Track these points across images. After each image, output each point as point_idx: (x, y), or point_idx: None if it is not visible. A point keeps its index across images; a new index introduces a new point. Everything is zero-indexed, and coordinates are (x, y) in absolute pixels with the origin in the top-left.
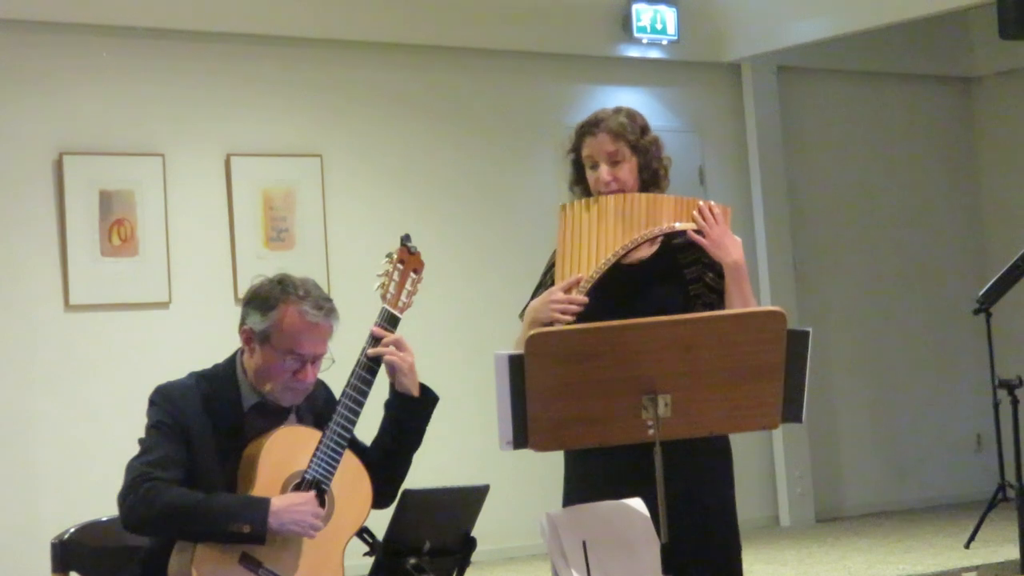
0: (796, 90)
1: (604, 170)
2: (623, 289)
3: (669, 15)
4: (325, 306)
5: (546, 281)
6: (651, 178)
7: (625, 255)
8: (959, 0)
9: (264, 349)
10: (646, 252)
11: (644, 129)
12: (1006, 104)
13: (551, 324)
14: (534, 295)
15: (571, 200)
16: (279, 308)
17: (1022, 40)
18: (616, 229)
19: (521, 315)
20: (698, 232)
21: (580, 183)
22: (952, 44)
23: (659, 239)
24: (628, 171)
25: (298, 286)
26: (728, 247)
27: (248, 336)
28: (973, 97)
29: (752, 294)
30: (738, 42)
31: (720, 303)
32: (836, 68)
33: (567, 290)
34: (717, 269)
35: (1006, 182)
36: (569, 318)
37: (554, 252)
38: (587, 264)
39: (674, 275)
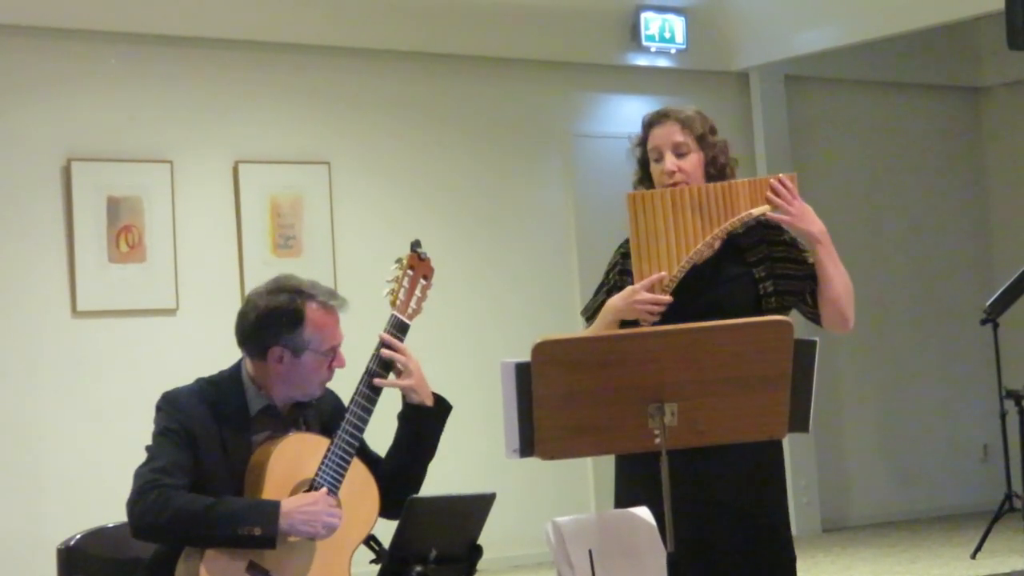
0: (804, 99)
1: (669, 160)
2: (697, 290)
3: (677, 24)
4: (334, 291)
5: (610, 280)
6: (718, 173)
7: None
8: (967, 10)
9: (303, 357)
10: (716, 245)
11: (713, 129)
12: (1014, 115)
13: (635, 323)
14: (597, 293)
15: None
16: (304, 312)
17: None
18: (694, 223)
19: (586, 315)
20: (775, 211)
21: (644, 181)
22: (960, 54)
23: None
24: (694, 164)
25: (304, 285)
26: (810, 219)
27: (281, 356)
28: (981, 107)
29: (840, 261)
30: (746, 51)
31: (807, 286)
32: (844, 77)
33: (649, 289)
34: (792, 257)
35: (1014, 192)
36: (655, 318)
37: (617, 251)
38: (667, 261)
39: (745, 274)
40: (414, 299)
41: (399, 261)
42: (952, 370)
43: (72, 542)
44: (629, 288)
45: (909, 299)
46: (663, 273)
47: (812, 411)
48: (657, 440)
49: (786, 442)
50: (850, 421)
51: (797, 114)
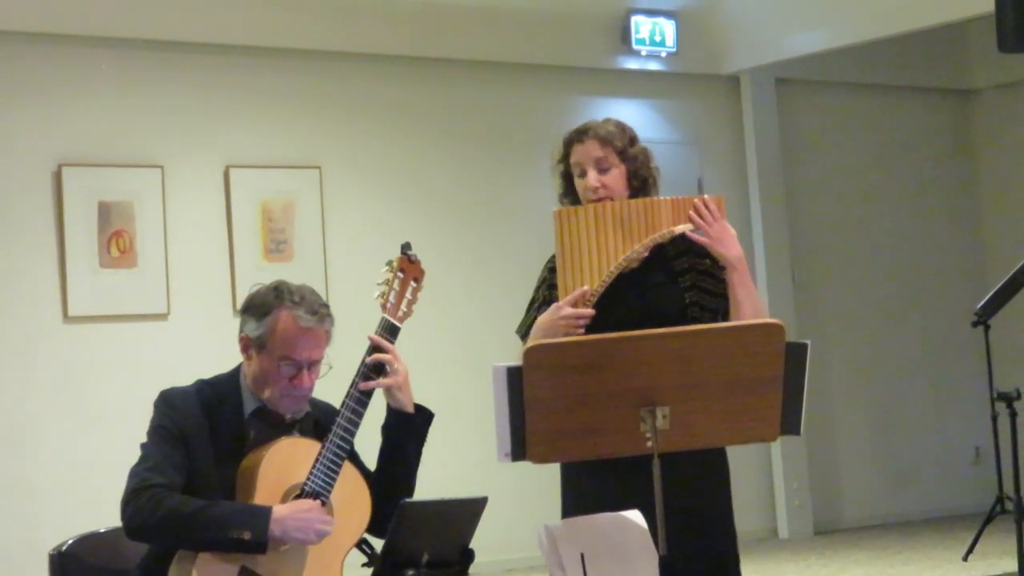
0: (795, 102)
1: (592, 176)
2: (624, 300)
3: (668, 27)
4: (320, 311)
5: (539, 296)
6: (640, 186)
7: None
8: (958, 13)
9: (261, 355)
10: (642, 258)
11: (633, 139)
12: (1004, 117)
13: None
14: (528, 309)
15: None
16: (273, 314)
17: (1021, 53)
18: (616, 237)
19: (519, 332)
20: (696, 231)
21: (569, 194)
22: (951, 57)
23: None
24: (617, 178)
25: (293, 292)
26: (728, 242)
27: (245, 343)
28: (972, 110)
29: (755, 288)
30: (737, 54)
31: (722, 305)
32: (835, 80)
33: (573, 304)
34: (714, 273)
35: (1004, 194)
36: (580, 331)
37: (545, 267)
38: (590, 275)
39: (671, 284)
40: (404, 302)
41: (389, 264)
42: (944, 372)
43: (64, 547)
44: (554, 305)
45: (900, 301)
46: (585, 288)
47: (803, 413)
48: (649, 443)
49: (777, 444)
50: (842, 423)
51: (788, 117)
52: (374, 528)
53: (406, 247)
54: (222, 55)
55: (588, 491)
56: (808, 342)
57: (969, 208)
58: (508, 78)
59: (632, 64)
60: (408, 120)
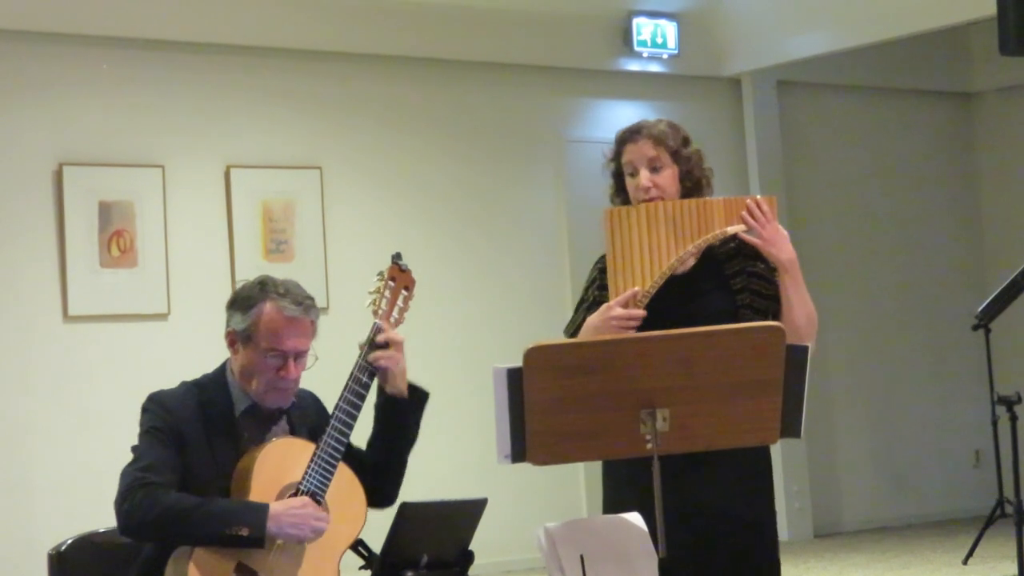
0: (796, 104)
1: (644, 175)
2: (674, 302)
3: (670, 29)
4: (305, 302)
5: (589, 296)
6: (694, 186)
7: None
8: (959, 16)
9: (247, 348)
10: (691, 260)
11: (686, 140)
12: (1006, 120)
13: None
14: (577, 309)
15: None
16: (258, 306)
17: (1022, 56)
18: (668, 238)
19: (567, 333)
20: (749, 231)
21: (620, 193)
22: (952, 60)
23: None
24: (669, 178)
25: (278, 284)
26: (781, 244)
27: (232, 338)
28: (973, 113)
29: (806, 290)
30: (738, 56)
31: (772, 307)
32: (836, 83)
33: (624, 304)
34: (764, 275)
35: (1005, 198)
36: (632, 333)
37: (595, 267)
38: (641, 276)
39: (722, 286)
40: (396, 309)
41: (380, 274)
42: (944, 376)
43: (63, 547)
44: (605, 305)
45: (901, 304)
46: (637, 289)
47: (804, 416)
48: (649, 445)
49: (778, 447)
50: (842, 427)
51: (789, 119)
52: (370, 503)
53: (396, 257)
54: (223, 55)
55: (627, 490)
56: (809, 344)
57: (970, 211)
58: (509, 79)
59: (633, 66)
60: (409, 121)
